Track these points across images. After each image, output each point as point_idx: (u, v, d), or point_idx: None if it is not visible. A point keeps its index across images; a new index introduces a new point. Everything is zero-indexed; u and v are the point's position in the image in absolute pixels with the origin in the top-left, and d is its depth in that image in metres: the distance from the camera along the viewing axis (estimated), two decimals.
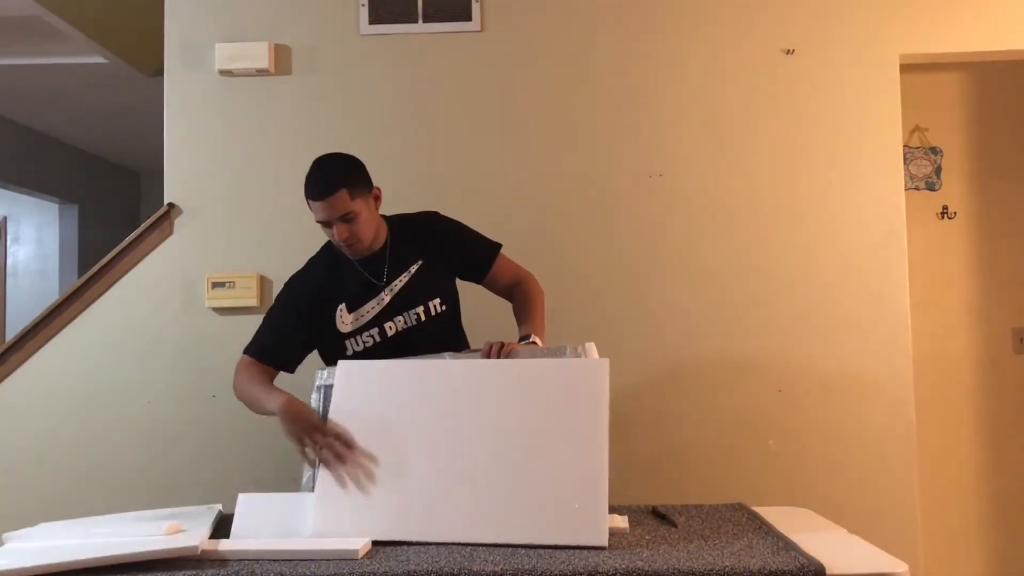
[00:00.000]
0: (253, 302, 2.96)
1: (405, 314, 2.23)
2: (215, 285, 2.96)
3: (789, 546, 1.72)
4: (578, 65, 3.00)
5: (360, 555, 1.70)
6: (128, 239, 2.99)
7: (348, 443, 1.89)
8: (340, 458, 1.87)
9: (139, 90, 4.66)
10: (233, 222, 3.00)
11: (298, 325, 2.25)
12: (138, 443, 2.94)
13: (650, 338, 2.95)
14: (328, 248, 2.31)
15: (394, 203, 3.00)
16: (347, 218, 2.14)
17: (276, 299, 2.32)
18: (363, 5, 3.01)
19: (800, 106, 2.96)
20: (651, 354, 2.95)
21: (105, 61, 4.33)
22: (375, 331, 2.23)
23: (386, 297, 2.23)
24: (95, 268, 2.98)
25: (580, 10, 3.00)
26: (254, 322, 2.95)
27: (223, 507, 2.15)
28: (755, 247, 2.95)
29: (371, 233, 2.21)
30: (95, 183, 7.30)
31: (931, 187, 3.34)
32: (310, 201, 2.15)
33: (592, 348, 2.03)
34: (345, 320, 2.23)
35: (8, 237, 7.09)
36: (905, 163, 3.22)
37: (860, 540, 1.84)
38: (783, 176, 2.96)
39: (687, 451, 2.93)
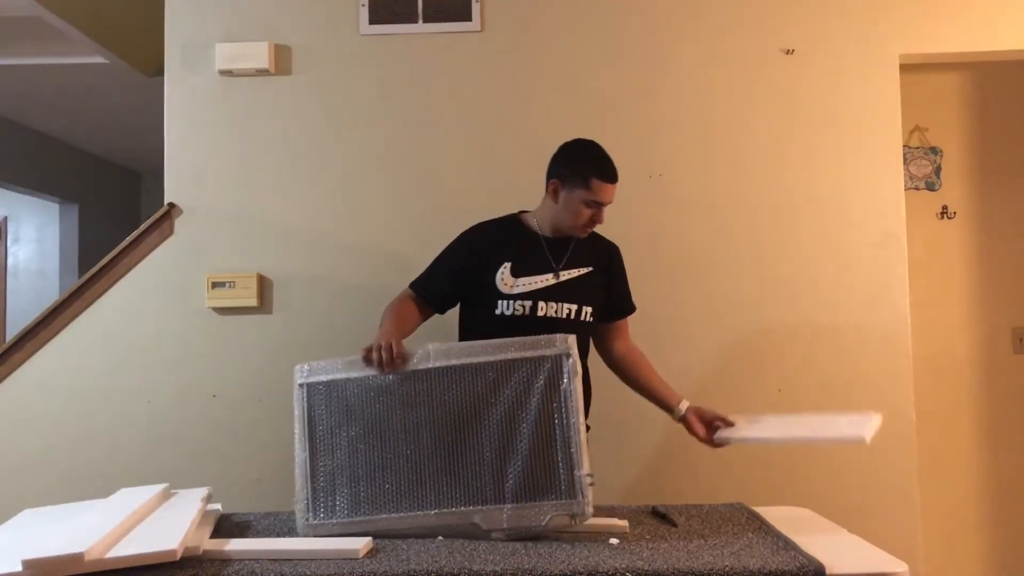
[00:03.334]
0: (253, 302, 2.95)
1: (560, 304, 2.28)
2: (215, 285, 2.96)
3: (789, 546, 1.72)
4: (578, 65, 3.00)
5: (361, 555, 1.70)
6: (128, 239, 2.98)
7: (393, 358, 2.00)
8: (380, 364, 2.00)
9: (139, 90, 4.66)
10: (233, 222, 3.00)
11: (461, 265, 2.34)
12: (138, 443, 2.94)
13: (649, 338, 2.94)
14: (516, 216, 2.42)
15: (394, 202, 3.01)
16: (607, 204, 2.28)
17: (455, 239, 2.40)
18: (363, 5, 3.01)
19: (800, 106, 2.96)
20: (650, 353, 2.93)
21: (105, 61, 4.33)
22: (528, 304, 2.26)
23: (554, 279, 2.29)
24: (95, 268, 2.98)
25: (579, 10, 3.00)
26: (254, 322, 2.97)
27: (222, 507, 2.15)
28: (755, 247, 2.95)
29: None
30: (95, 183, 7.29)
31: (931, 187, 3.34)
32: (597, 181, 2.23)
33: (571, 339, 1.99)
34: (507, 281, 2.29)
35: (8, 237, 7.09)
36: (905, 163, 3.22)
37: (860, 540, 1.85)
38: (783, 176, 2.96)
39: (687, 451, 2.91)
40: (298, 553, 1.71)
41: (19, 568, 1.56)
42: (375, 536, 1.86)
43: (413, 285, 2.38)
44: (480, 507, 1.86)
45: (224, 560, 1.68)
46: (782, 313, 2.93)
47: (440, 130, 3.01)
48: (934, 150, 3.35)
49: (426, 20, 3.00)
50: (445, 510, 1.88)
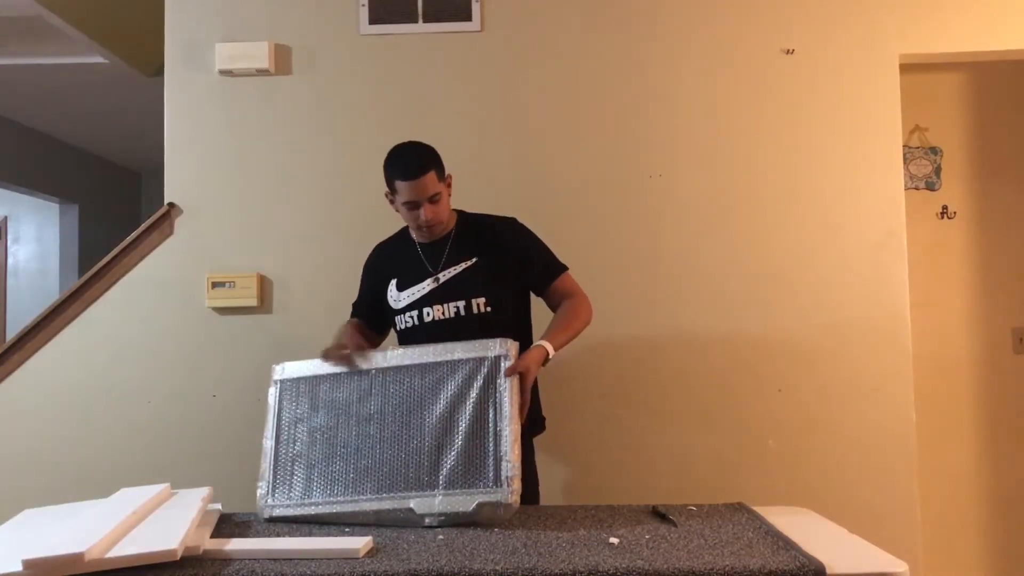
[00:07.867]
0: (253, 302, 2.96)
1: (445, 305, 2.29)
2: (215, 285, 2.96)
3: (789, 546, 1.72)
4: (578, 65, 3.00)
5: (361, 554, 1.70)
6: (128, 239, 2.99)
7: (340, 353, 2.18)
8: (339, 359, 2.17)
9: (139, 90, 4.66)
10: (233, 222, 3.00)
11: (367, 288, 2.46)
12: (138, 443, 2.94)
13: (649, 338, 2.95)
14: (405, 229, 2.43)
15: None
16: (434, 199, 2.26)
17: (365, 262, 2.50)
18: (363, 5, 3.01)
19: (800, 106, 2.96)
20: (650, 354, 2.95)
21: (105, 61, 4.33)
22: (415, 313, 2.31)
23: (432, 284, 2.32)
24: (95, 268, 2.98)
25: (580, 10, 3.00)
26: (254, 322, 2.98)
27: (222, 507, 2.15)
28: (755, 247, 2.95)
29: (447, 216, 2.33)
30: (95, 183, 7.30)
31: (931, 187, 3.34)
32: (399, 182, 2.25)
33: (512, 344, 2.09)
34: (394, 296, 2.36)
35: (8, 237, 7.09)
36: (905, 163, 3.22)
37: (860, 540, 1.85)
38: (783, 176, 2.96)
39: (687, 451, 2.93)
40: (298, 553, 1.70)
41: (19, 568, 1.56)
42: (321, 521, 2.02)
43: (352, 310, 2.51)
44: (416, 493, 1.99)
45: (224, 560, 1.68)
46: (782, 313, 2.93)
47: (440, 130, 3.00)
48: (934, 150, 3.35)
49: (426, 20, 3.01)
50: (384, 495, 2.01)
